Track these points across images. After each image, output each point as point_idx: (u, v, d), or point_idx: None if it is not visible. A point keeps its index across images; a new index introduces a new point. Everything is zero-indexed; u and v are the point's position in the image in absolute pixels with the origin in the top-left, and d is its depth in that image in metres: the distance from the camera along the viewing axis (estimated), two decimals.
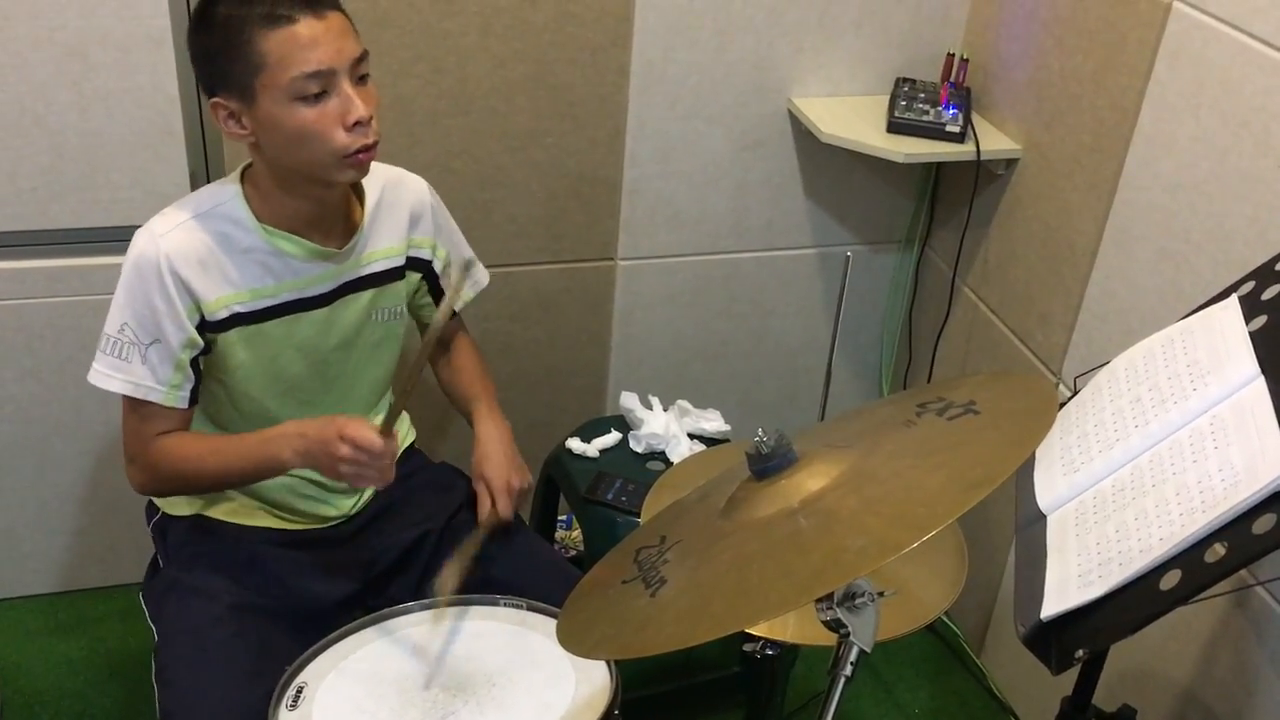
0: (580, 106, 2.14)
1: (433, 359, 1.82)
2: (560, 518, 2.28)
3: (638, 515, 1.87)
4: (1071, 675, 1.31)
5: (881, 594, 1.03)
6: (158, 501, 1.69)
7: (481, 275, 1.80)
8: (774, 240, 2.39)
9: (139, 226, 1.50)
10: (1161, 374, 1.35)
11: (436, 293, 1.74)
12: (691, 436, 2.06)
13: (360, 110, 1.41)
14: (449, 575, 1.54)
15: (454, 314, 1.80)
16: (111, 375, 1.49)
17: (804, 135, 2.26)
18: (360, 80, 1.44)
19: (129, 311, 1.47)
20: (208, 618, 1.53)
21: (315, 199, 1.51)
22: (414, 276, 1.69)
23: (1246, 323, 1.32)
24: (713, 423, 2.07)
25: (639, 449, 2.04)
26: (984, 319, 2.28)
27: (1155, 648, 1.82)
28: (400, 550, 1.70)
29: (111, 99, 1.90)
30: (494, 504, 1.63)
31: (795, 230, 2.39)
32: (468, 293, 1.78)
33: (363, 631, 1.48)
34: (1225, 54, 1.65)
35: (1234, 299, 1.37)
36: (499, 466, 1.65)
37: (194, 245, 1.47)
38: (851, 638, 1.00)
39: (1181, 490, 1.19)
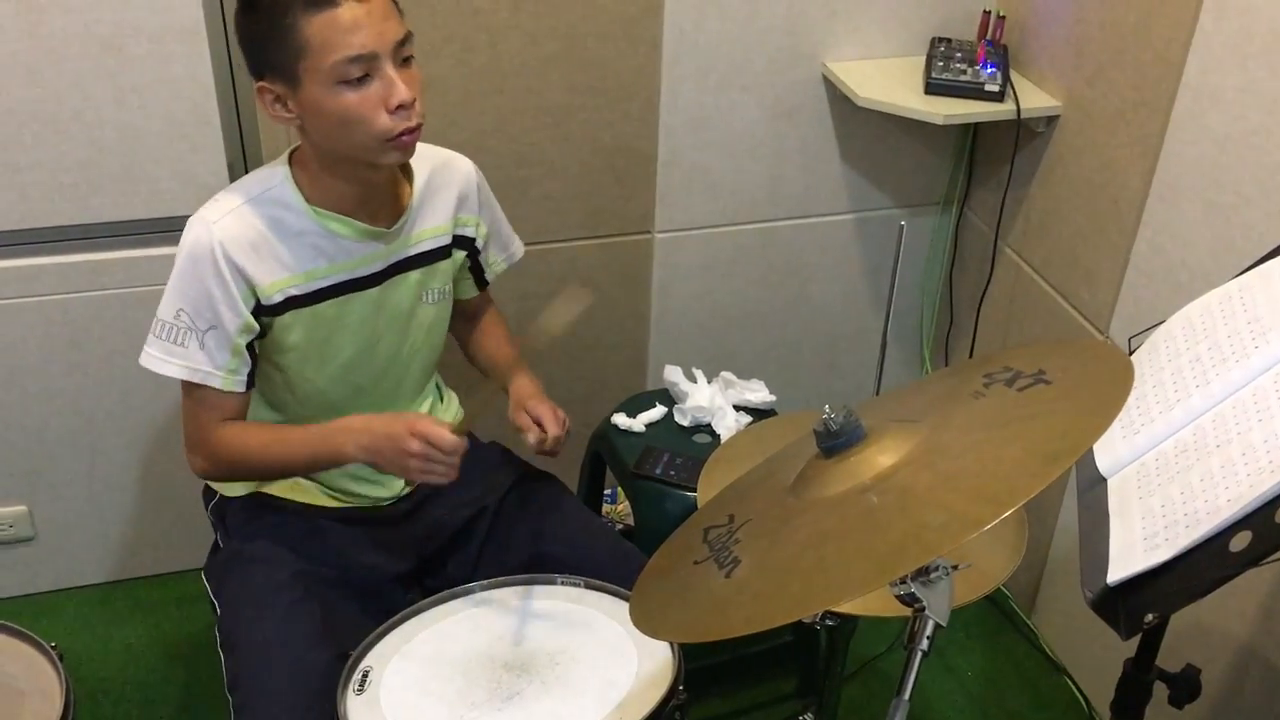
0: (613, 80, 2.13)
1: (461, 332, 1.84)
2: (605, 492, 2.29)
3: (687, 489, 1.88)
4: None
5: (955, 567, 1.02)
6: (214, 484, 1.71)
7: (517, 248, 1.81)
8: (811, 207, 2.37)
9: (180, 218, 1.51)
10: (1221, 332, 1.33)
11: (477, 270, 1.75)
12: (736, 408, 2.05)
13: (403, 93, 1.40)
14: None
15: (485, 286, 1.80)
16: (167, 360, 1.50)
17: (839, 100, 2.23)
18: (404, 62, 1.43)
19: (184, 298, 1.48)
20: (271, 585, 1.54)
21: (362, 181, 1.51)
22: (459, 255, 1.69)
23: None
24: (757, 393, 2.06)
25: (684, 422, 2.04)
26: (1027, 279, 2.25)
27: (1215, 605, 1.81)
28: (454, 530, 1.71)
29: (147, 91, 1.90)
30: (540, 428, 1.60)
31: (832, 196, 2.37)
32: (501, 265, 1.79)
33: (425, 613, 1.49)
34: (1273, 1, 1.62)
35: None
36: (543, 400, 1.64)
37: (246, 230, 1.48)
38: (927, 612, 0.99)
39: (1248, 450, 1.18)
